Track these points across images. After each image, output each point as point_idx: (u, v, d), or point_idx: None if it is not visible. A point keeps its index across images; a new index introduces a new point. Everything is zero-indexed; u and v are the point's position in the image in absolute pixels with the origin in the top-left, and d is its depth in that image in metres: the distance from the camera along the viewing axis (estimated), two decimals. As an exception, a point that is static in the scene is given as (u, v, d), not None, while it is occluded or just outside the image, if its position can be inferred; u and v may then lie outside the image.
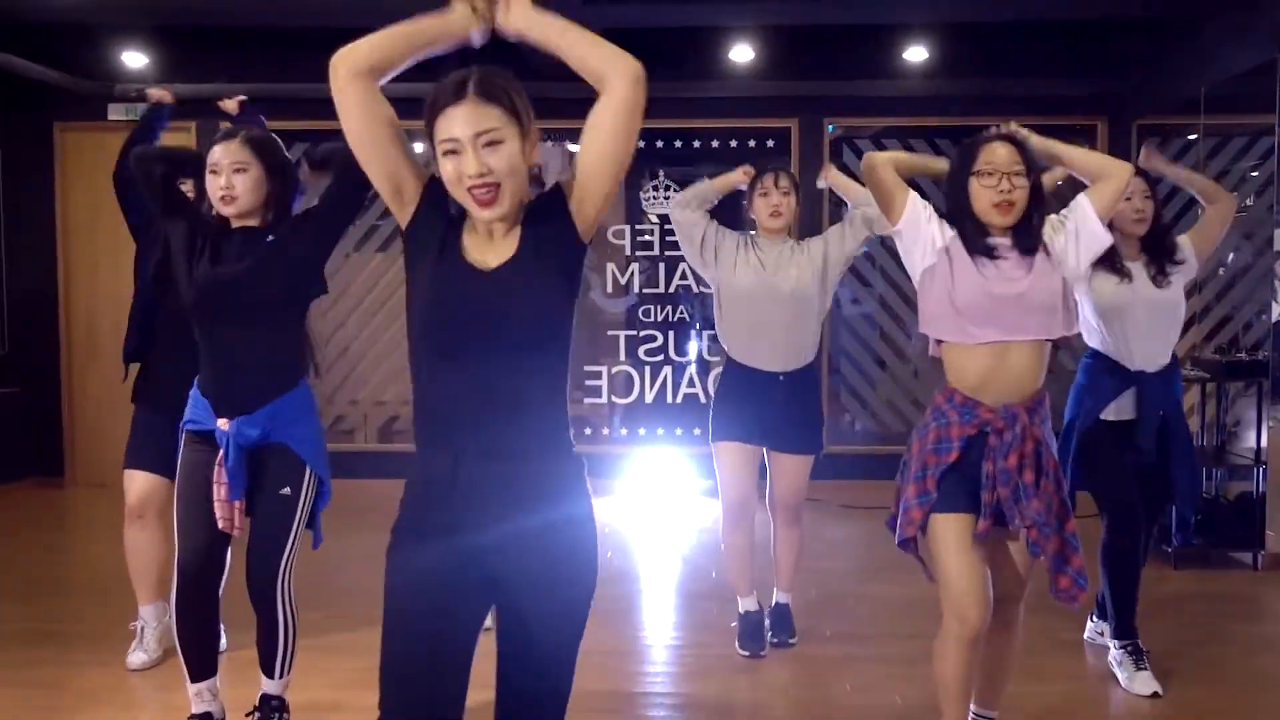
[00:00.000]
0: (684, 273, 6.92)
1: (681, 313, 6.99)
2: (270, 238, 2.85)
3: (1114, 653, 3.57)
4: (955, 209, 2.67)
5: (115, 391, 6.84)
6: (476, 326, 1.80)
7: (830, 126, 6.87)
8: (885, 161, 2.73)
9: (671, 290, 6.98)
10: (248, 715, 2.98)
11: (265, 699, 3.00)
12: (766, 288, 3.67)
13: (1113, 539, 3.48)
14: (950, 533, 2.59)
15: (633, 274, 6.97)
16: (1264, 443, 4.92)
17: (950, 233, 2.65)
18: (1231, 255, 6.69)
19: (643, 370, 6.97)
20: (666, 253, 6.95)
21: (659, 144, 6.91)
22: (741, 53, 6.25)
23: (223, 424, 2.80)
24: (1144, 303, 3.46)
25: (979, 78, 6.47)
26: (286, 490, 2.86)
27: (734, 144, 6.93)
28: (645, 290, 6.98)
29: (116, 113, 6.89)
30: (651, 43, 6.28)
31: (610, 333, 6.97)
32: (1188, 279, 3.58)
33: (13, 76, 6.34)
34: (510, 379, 1.82)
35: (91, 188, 6.99)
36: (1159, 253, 3.52)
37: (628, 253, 6.98)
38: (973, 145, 2.66)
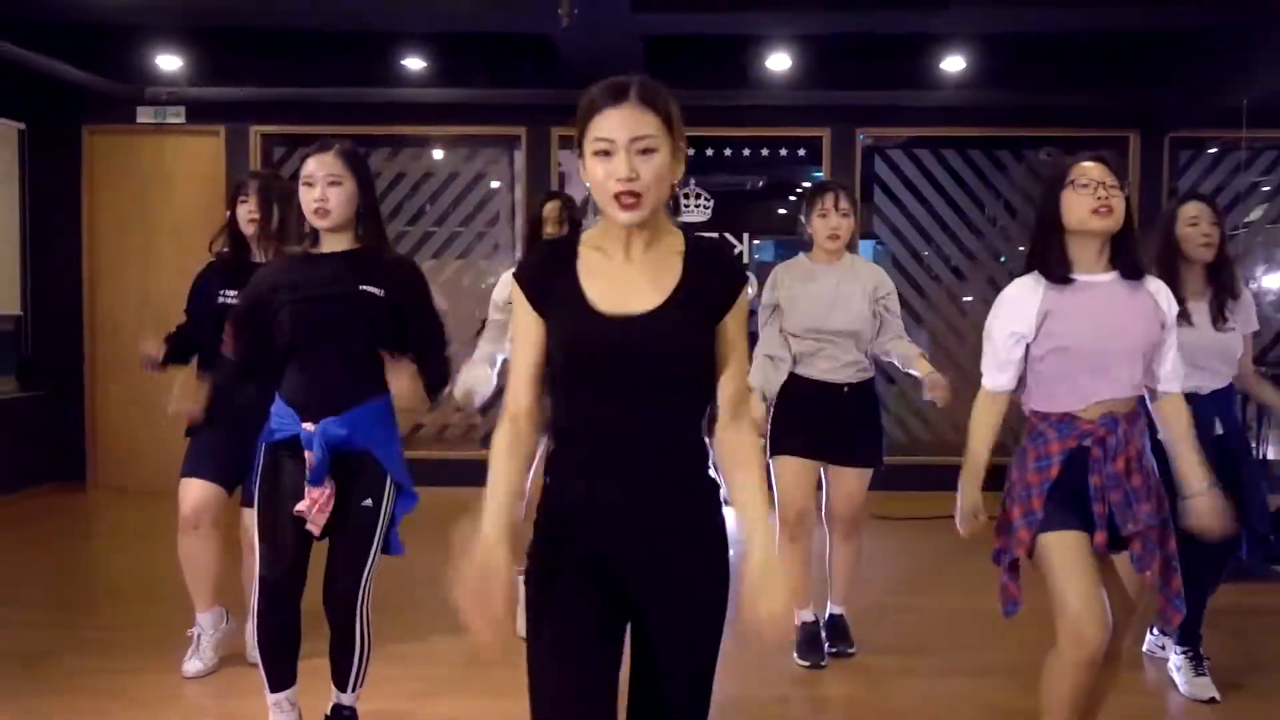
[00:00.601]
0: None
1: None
2: (369, 289, 2.81)
3: (1174, 659, 3.56)
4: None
5: (138, 397, 6.85)
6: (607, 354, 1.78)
7: (861, 136, 6.87)
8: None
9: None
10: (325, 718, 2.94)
11: (337, 709, 2.96)
12: (828, 313, 3.68)
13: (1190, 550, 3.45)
14: (1063, 550, 2.51)
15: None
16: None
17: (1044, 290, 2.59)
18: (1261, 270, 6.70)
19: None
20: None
21: (690, 151, 6.88)
22: (778, 61, 6.23)
23: (308, 426, 2.77)
24: (1201, 346, 3.37)
25: (1011, 89, 6.46)
26: (368, 502, 2.83)
27: (765, 152, 6.92)
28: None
29: (145, 116, 6.88)
30: (689, 50, 6.37)
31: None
32: (1246, 325, 3.52)
33: (42, 78, 6.32)
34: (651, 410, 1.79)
35: (118, 191, 6.97)
36: (1220, 289, 3.48)
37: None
38: (1062, 164, 2.64)
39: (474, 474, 1.95)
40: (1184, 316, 3.33)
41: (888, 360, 3.84)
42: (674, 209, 1.86)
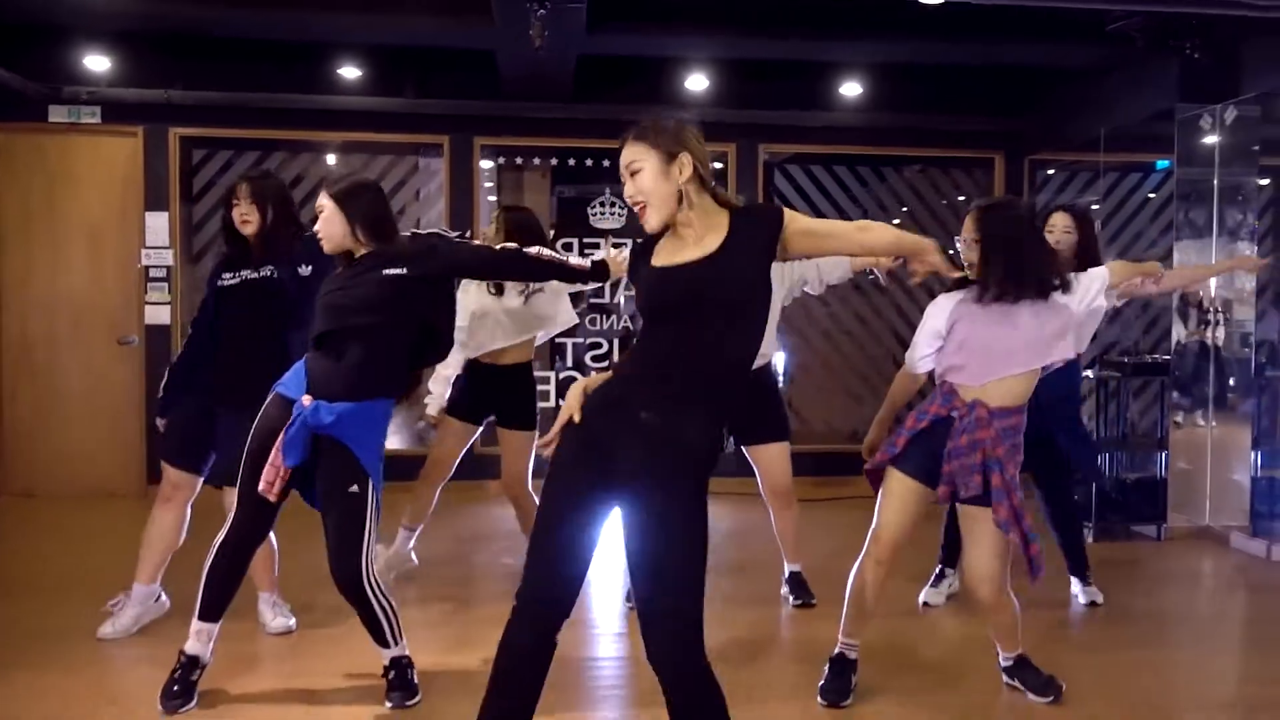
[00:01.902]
0: (627, 284, 7.34)
1: (626, 322, 7.41)
2: (392, 271, 3.14)
3: (1075, 585, 4.44)
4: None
5: (46, 402, 6.76)
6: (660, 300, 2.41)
7: (763, 152, 7.45)
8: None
9: (616, 301, 7.39)
10: (383, 673, 3.23)
11: (394, 660, 3.24)
12: None
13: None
14: (896, 484, 3.20)
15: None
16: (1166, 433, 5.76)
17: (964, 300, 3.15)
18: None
19: (588, 375, 7.34)
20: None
21: (606, 163, 7.32)
22: (696, 81, 6.75)
23: (305, 400, 3.05)
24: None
25: (896, 112, 7.19)
26: (354, 488, 3.08)
27: (675, 165, 7.40)
28: (592, 300, 7.36)
29: (58, 115, 6.78)
30: (614, 70, 6.81)
31: (559, 340, 7.31)
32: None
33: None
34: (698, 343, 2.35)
35: (26, 192, 6.83)
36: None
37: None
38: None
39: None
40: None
41: (831, 281, 4.24)
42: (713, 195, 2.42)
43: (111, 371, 6.94)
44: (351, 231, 3.19)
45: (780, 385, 4.54)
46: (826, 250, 2.69)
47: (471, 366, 4.40)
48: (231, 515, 3.14)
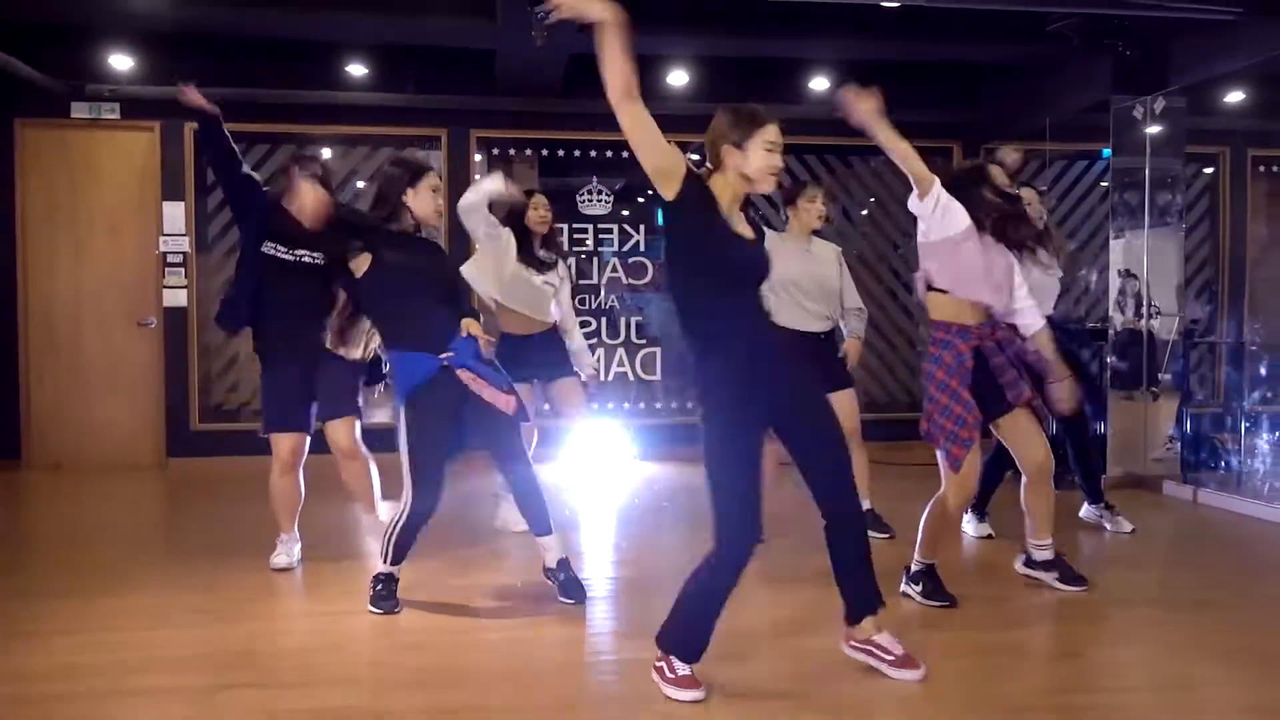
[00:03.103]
0: (614, 267, 7.91)
1: (612, 301, 7.95)
2: (426, 236, 3.81)
3: (1091, 511, 5.13)
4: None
5: (70, 381, 7.22)
6: (754, 273, 2.90)
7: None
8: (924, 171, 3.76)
9: (603, 281, 7.94)
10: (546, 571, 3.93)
11: (561, 560, 3.90)
12: (803, 276, 4.76)
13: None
14: (1018, 424, 3.78)
15: (571, 267, 7.86)
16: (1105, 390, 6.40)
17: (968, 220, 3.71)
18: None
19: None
20: (600, 249, 7.92)
21: (593, 153, 7.86)
22: (677, 77, 7.31)
23: (446, 355, 3.63)
24: (1033, 281, 4.69)
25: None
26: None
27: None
28: (581, 281, 7.90)
29: (80, 111, 7.24)
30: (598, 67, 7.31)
31: (551, 320, 7.84)
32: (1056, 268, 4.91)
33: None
34: (757, 305, 2.94)
35: (51, 184, 7.28)
36: (1045, 245, 4.80)
37: (565, 248, 7.88)
38: (983, 167, 3.88)
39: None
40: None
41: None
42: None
43: (132, 351, 7.41)
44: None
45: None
46: None
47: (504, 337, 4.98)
48: (409, 508, 3.62)
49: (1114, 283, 6.56)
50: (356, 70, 7.17)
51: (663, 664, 2.92)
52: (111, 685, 3.09)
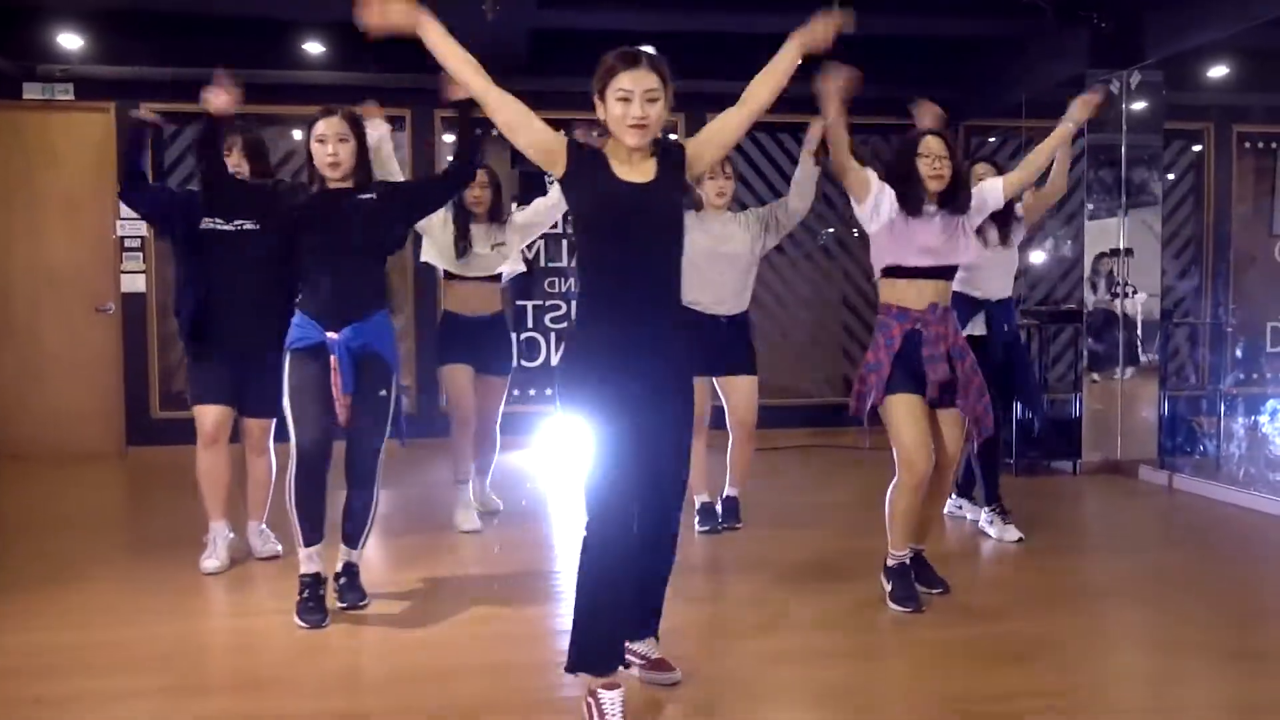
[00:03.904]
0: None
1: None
2: (367, 195, 3.53)
3: (985, 514, 4.71)
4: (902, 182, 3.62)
5: (28, 365, 7.07)
6: (642, 216, 2.64)
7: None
8: (849, 165, 3.63)
9: (572, 264, 7.77)
10: (335, 577, 3.63)
11: (347, 565, 3.66)
12: (713, 253, 4.59)
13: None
14: (902, 407, 3.55)
15: (538, 250, 7.71)
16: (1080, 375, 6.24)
17: (894, 200, 3.60)
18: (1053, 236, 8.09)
19: (548, 336, 7.71)
20: (568, 229, 7.74)
21: (561, 132, 7.66)
22: (644, 53, 7.11)
23: (332, 335, 3.43)
24: (990, 258, 4.55)
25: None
26: (383, 393, 3.55)
27: (627, 135, 7.79)
28: (549, 264, 7.74)
29: (32, 92, 7.06)
30: (567, 42, 7.13)
31: (519, 303, 7.68)
32: (1020, 238, 4.74)
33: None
34: (658, 259, 2.65)
35: (4, 166, 7.11)
36: (1005, 221, 4.64)
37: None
38: (914, 138, 3.67)
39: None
40: (978, 234, 4.45)
41: (802, 202, 4.70)
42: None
43: (91, 338, 7.26)
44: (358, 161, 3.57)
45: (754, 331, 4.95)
46: (729, 137, 2.93)
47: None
48: (296, 453, 3.47)
49: (1089, 263, 6.39)
50: (314, 48, 6.98)
51: (589, 701, 2.64)
52: (24, 691, 2.96)
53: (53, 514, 5.54)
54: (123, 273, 7.22)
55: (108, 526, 5.43)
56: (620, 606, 2.65)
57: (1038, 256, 7.71)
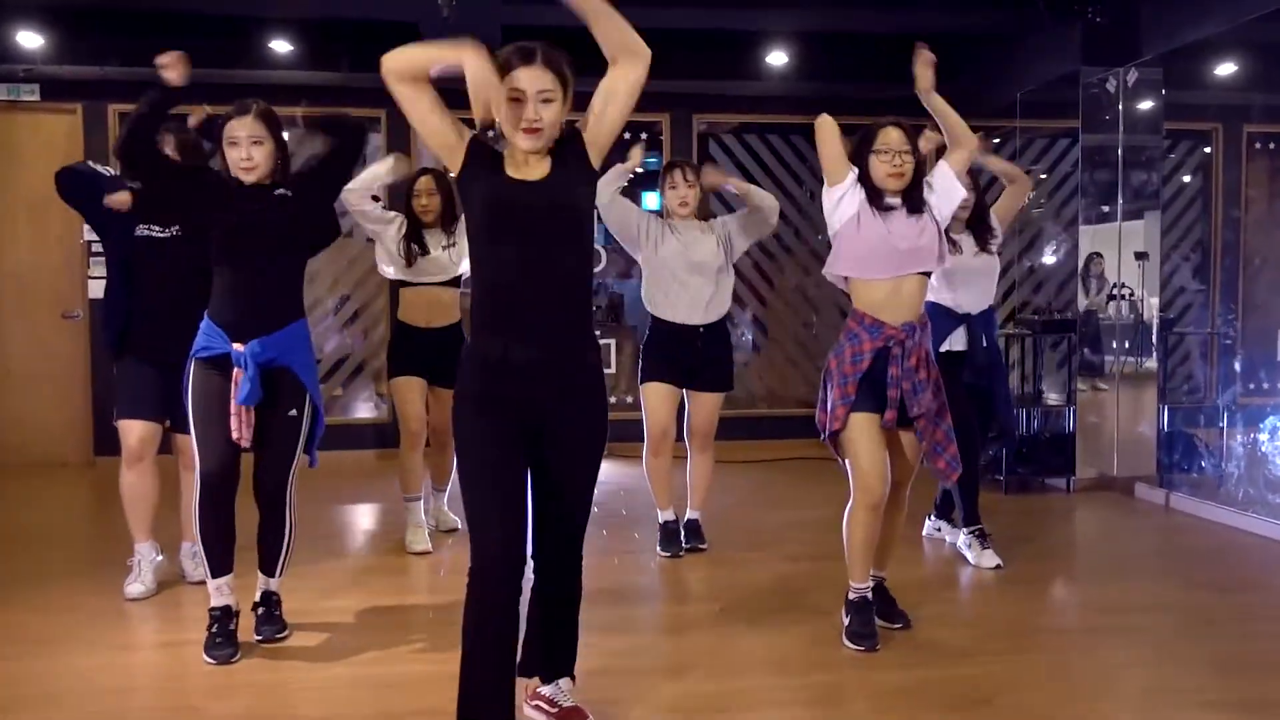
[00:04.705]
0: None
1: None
2: (280, 191, 3.28)
3: (963, 537, 4.42)
4: (861, 179, 3.37)
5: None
6: (530, 215, 2.38)
7: (697, 121, 7.58)
8: (834, 134, 3.38)
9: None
10: (253, 607, 3.39)
11: (266, 595, 3.43)
12: (685, 261, 4.33)
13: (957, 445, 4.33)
14: (862, 427, 3.29)
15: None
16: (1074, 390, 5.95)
17: (862, 196, 3.34)
18: (1045, 241, 7.79)
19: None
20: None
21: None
22: (624, 52, 6.86)
23: (238, 346, 3.20)
24: (970, 267, 4.31)
25: (827, 81, 7.30)
26: (293, 412, 3.32)
27: (611, 135, 7.56)
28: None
29: (-1, 92, 6.90)
30: (540, 39, 6.89)
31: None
32: (998, 243, 4.47)
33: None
34: (552, 265, 2.39)
35: (-32, 168, 6.96)
36: (981, 228, 4.37)
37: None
38: (871, 129, 3.39)
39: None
40: (956, 246, 4.19)
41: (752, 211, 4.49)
42: None
43: (57, 345, 7.07)
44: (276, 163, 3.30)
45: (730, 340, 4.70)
46: (619, 110, 2.49)
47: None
48: (199, 478, 3.26)
49: (1080, 266, 6.10)
50: (282, 47, 6.77)
51: None
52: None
53: (7, 528, 5.34)
54: (91, 278, 7.01)
55: (56, 543, 5.21)
56: (502, 651, 2.40)
57: (1032, 262, 7.43)
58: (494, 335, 2.40)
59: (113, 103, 6.98)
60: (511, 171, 2.43)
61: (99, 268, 7.02)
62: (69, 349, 7.08)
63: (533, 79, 2.37)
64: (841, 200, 3.36)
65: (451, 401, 4.55)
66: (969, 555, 4.37)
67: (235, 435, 3.21)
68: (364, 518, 5.46)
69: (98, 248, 7.01)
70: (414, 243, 4.59)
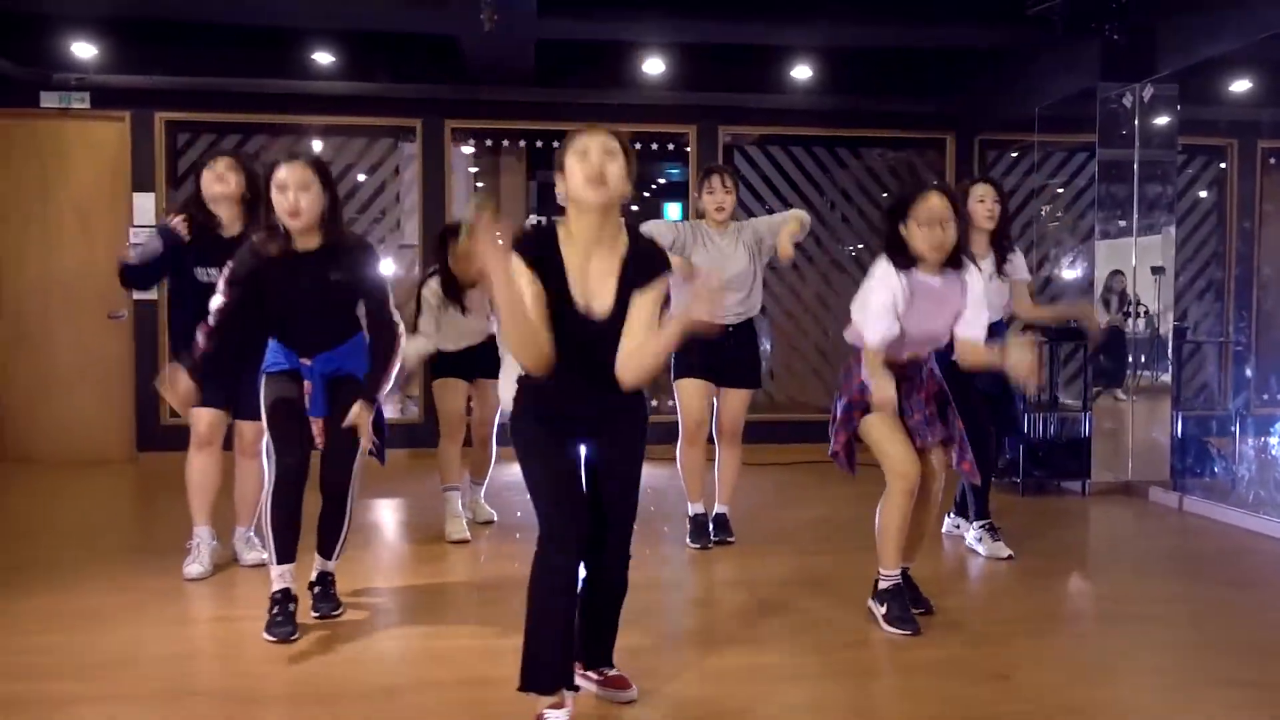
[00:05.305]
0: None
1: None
2: (339, 277, 3.44)
3: (973, 532, 4.61)
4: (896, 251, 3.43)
5: (42, 372, 7.14)
6: (600, 343, 2.58)
7: (723, 133, 7.79)
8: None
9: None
10: (309, 586, 3.61)
11: (322, 575, 3.64)
12: (719, 266, 4.53)
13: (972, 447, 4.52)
14: (882, 423, 3.47)
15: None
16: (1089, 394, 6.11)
17: (903, 284, 3.41)
18: (1055, 251, 7.96)
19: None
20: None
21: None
22: (653, 65, 7.08)
23: (305, 361, 3.47)
24: (989, 289, 4.45)
25: (851, 95, 7.51)
26: None
27: (638, 146, 7.76)
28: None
29: (50, 100, 7.15)
30: (573, 54, 7.15)
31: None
32: (1020, 273, 4.64)
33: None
34: (609, 350, 2.57)
35: (20, 174, 7.19)
36: (1000, 251, 4.54)
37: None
38: (911, 194, 3.41)
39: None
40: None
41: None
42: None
43: (103, 345, 7.31)
44: (324, 211, 3.42)
45: (759, 340, 4.90)
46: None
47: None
48: (275, 473, 3.46)
49: (1099, 279, 6.27)
50: (324, 58, 7.01)
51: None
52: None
53: (59, 518, 5.59)
54: (135, 280, 7.26)
55: (110, 531, 5.44)
56: (567, 617, 2.60)
57: (1049, 273, 7.59)
58: (550, 388, 2.58)
59: (160, 110, 7.24)
60: (582, 286, 2.56)
61: (144, 270, 7.28)
62: (114, 348, 7.32)
63: (596, 141, 2.60)
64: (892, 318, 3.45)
65: (493, 393, 4.79)
66: (980, 548, 4.55)
67: (317, 439, 3.49)
68: (402, 511, 5.66)
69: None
70: (452, 301, 4.77)
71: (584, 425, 2.66)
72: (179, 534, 4.66)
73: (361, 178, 7.64)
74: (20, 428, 7.23)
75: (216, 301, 3.49)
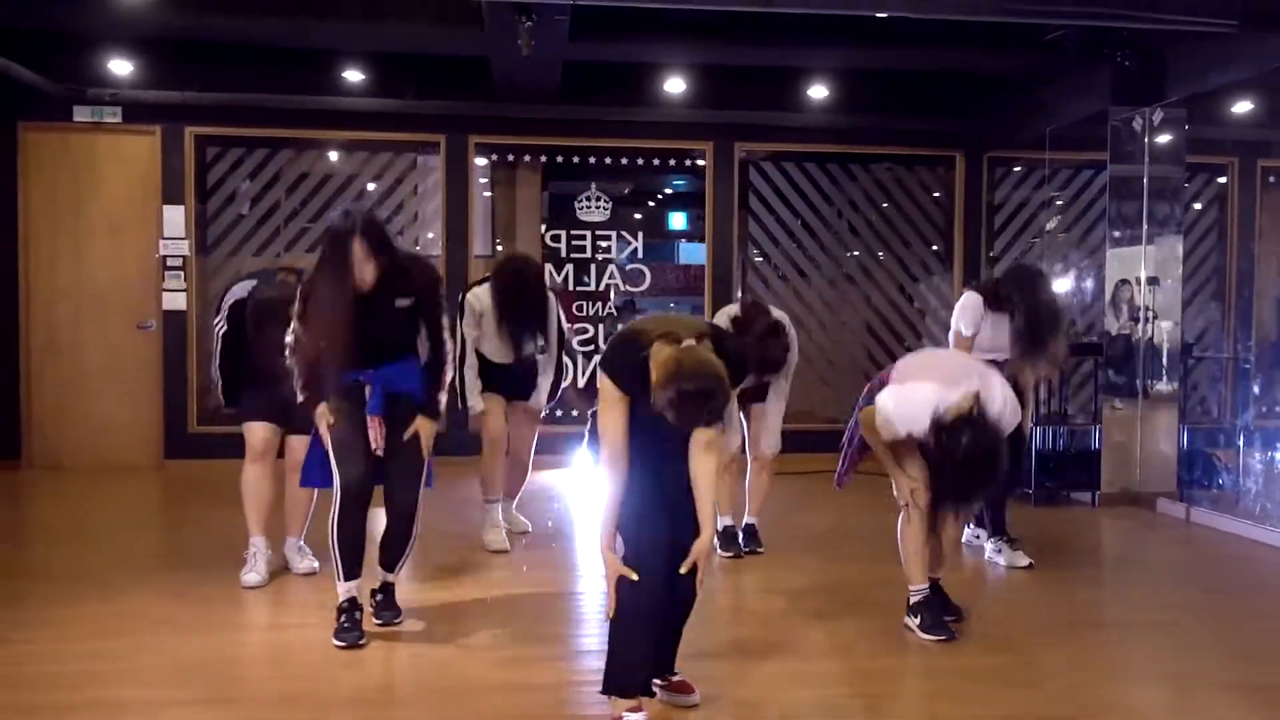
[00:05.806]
0: (611, 273, 7.90)
1: (610, 308, 7.93)
2: (405, 303, 3.66)
3: (991, 545, 4.82)
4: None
5: (70, 381, 7.29)
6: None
7: (739, 150, 7.98)
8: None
9: (601, 288, 7.92)
10: (371, 594, 3.78)
11: (385, 585, 3.81)
12: None
13: None
14: (899, 446, 3.68)
15: (567, 274, 7.87)
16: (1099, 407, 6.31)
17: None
18: (1063, 267, 8.16)
19: (575, 358, 7.85)
20: (598, 255, 7.90)
21: (592, 160, 7.84)
22: (674, 84, 7.27)
23: (365, 370, 3.63)
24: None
25: (861, 114, 7.71)
26: (413, 432, 3.69)
27: (657, 162, 8.00)
28: (578, 288, 7.89)
29: (82, 115, 7.30)
30: (598, 73, 7.32)
31: (548, 326, 7.83)
32: None
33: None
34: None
35: (53, 187, 7.34)
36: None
37: (563, 254, 7.88)
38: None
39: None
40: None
41: None
42: None
43: (132, 354, 7.47)
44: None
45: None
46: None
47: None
48: (340, 489, 3.61)
49: (1109, 293, 6.46)
50: (354, 76, 7.18)
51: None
52: (48, 700, 3.10)
53: (92, 524, 5.74)
54: (165, 291, 7.43)
55: (146, 538, 5.60)
56: (652, 638, 2.81)
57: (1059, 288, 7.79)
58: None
59: (190, 125, 7.40)
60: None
61: (173, 280, 7.45)
62: (143, 357, 7.47)
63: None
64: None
65: (526, 417, 4.99)
66: (1000, 559, 4.74)
67: (373, 444, 3.62)
68: (442, 522, 5.80)
69: (172, 261, 7.45)
70: (513, 337, 4.92)
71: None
72: (215, 541, 4.86)
73: (371, 186, 7.79)
74: (49, 434, 7.37)
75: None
